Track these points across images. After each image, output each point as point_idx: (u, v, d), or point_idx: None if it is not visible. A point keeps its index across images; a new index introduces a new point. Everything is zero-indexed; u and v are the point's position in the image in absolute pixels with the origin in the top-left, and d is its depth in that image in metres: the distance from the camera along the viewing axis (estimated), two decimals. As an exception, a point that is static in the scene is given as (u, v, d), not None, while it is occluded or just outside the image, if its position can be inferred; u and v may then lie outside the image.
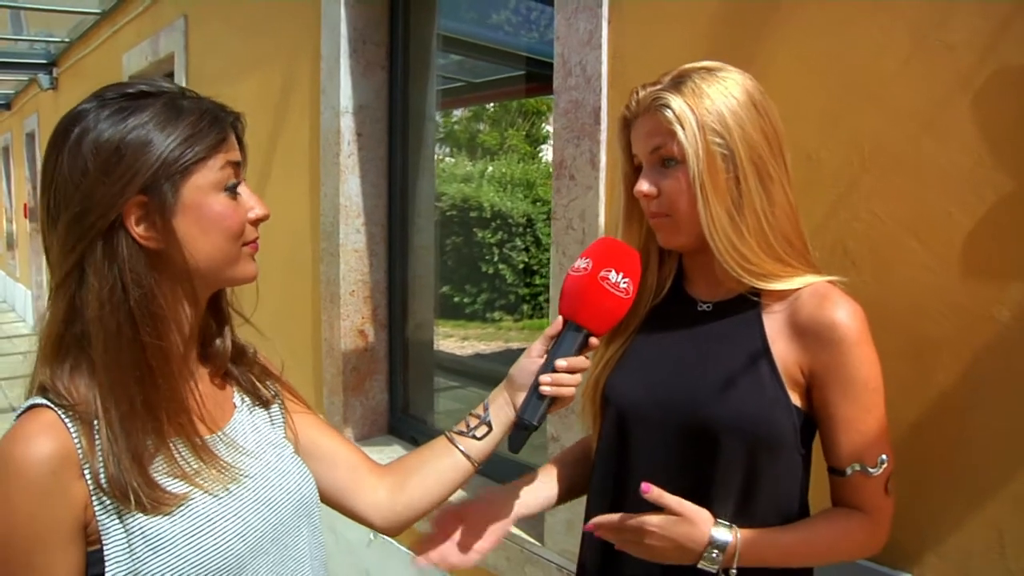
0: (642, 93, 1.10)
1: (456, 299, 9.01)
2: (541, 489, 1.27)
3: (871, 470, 1.07)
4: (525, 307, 9.76)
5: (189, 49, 4.04)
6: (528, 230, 9.67)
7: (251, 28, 3.46)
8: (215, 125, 0.91)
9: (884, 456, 1.08)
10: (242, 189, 0.95)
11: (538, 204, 9.78)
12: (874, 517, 1.10)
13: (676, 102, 1.05)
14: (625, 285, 1.05)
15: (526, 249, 9.69)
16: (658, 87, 1.09)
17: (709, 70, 1.09)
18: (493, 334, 9.17)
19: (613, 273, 1.05)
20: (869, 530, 1.10)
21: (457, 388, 5.24)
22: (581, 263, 1.08)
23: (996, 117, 1.21)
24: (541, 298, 9.47)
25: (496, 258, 9.51)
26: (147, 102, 0.89)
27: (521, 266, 9.57)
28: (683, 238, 1.11)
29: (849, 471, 1.08)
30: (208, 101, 0.94)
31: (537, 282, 9.53)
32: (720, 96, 1.06)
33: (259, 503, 0.95)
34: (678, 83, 1.08)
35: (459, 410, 4.43)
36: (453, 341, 8.02)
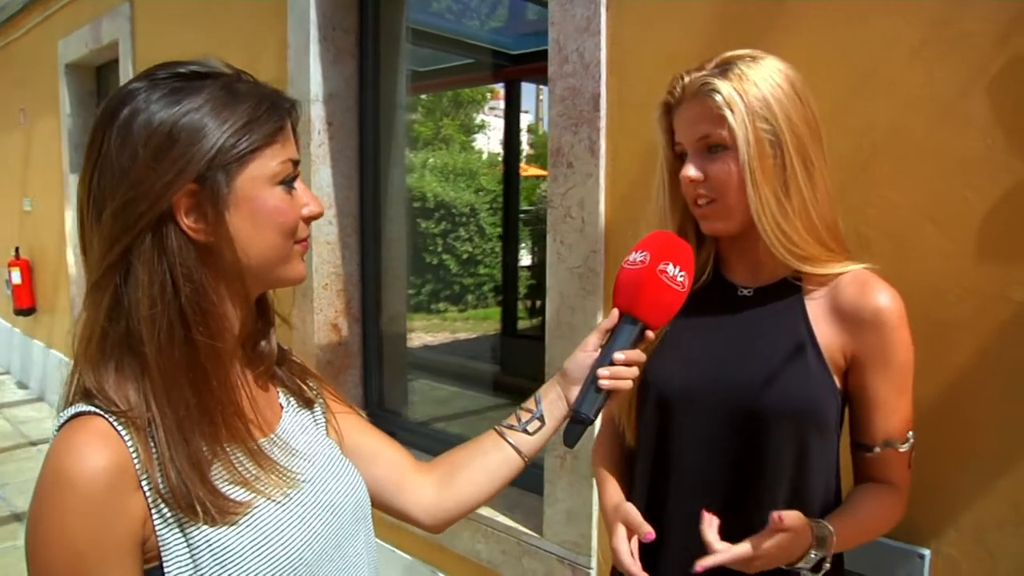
0: (688, 79, 1.10)
1: (401, 291, 8.88)
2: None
3: (901, 446, 1.12)
4: (470, 297, 9.72)
5: (135, 36, 3.87)
6: (472, 220, 9.64)
7: (207, 14, 3.34)
8: (273, 113, 0.85)
9: (911, 432, 1.13)
10: (297, 184, 0.89)
11: (481, 193, 9.75)
12: (900, 490, 1.15)
13: (725, 87, 1.06)
14: (682, 279, 1.05)
15: (470, 239, 9.65)
16: (703, 73, 1.09)
17: (752, 57, 1.10)
18: (439, 325, 9.12)
19: (671, 266, 1.04)
20: (900, 502, 1.15)
21: (411, 381, 5.18)
22: (637, 256, 1.07)
23: (1011, 103, 1.25)
24: (486, 288, 9.46)
25: (440, 248, 9.45)
26: (202, 84, 0.82)
27: (465, 256, 9.53)
28: (729, 223, 1.11)
29: (880, 448, 1.12)
30: (266, 86, 0.88)
31: (481, 272, 9.50)
32: (765, 82, 1.07)
33: (321, 507, 0.90)
34: (724, 69, 1.08)
35: (416, 403, 4.39)
36: (401, 333, 7.93)
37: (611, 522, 1.14)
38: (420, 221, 8.89)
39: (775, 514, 0.99)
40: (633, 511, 1.10)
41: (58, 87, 4.97)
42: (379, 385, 2.89)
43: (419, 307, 9.42)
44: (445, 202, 9.04)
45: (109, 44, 4.16)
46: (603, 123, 1.79)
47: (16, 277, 5.96)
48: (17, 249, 6.11)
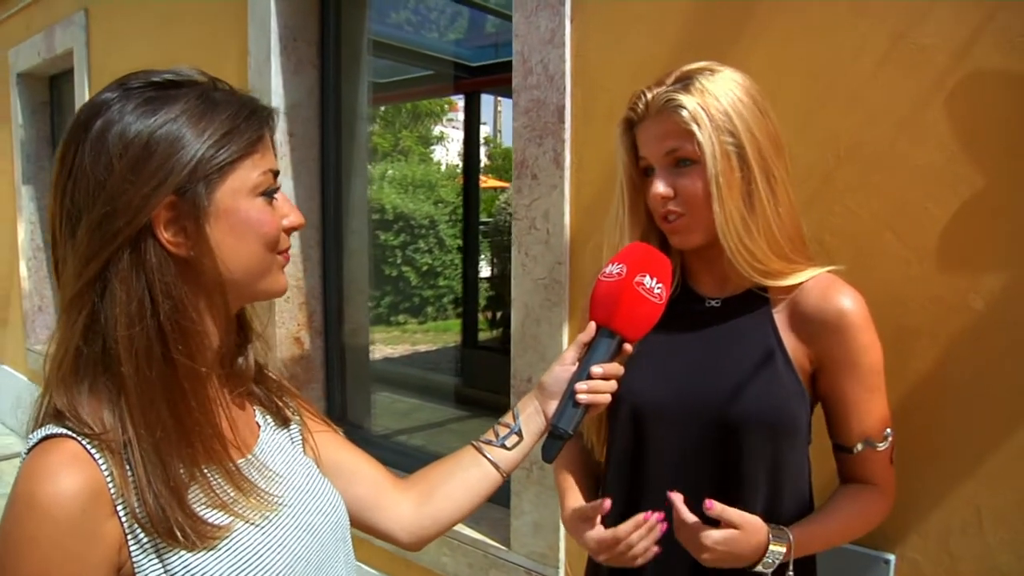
0: (650, 95, 1.11)
1: (360, 303, 8.83)
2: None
3: (879, 445, 1.14)
4: (430, 309, 9.69)
5: (91, 45, 3.78)
6: (431, 232, 9.62)
7: (165, 23, 3.28)
8: (253, 122, 0.83)
9: (888, 430, 1.15)
10: (278, 194, 0.87)
11: (440, 205, 9.74)
12: (883, 488, 1.17)
13: (690, 102, 1.06)
14: (659, 291, 1.05)
15: (429, 251, 9.63)
16: (665, 88, 1.09)
17: (711, 70, 1.11)
18: (399, 337, 9.07)
19: (648, 278, 1.04)
20: (882, 500, 1.17)
21: (385, 393, 5.13)
22: (613, 268, 1.06)
23: (969, 116, 1.28)
24: (445, 300, 9.43)
25: (399, 260, 9.41)
26: (177, 93, 0.80)
27: (425, 268, 9.51)
28: (698, 237, 1.12)
29: (858, 448, 1.14)
30: (243, 94, 0.86)
31: (441, 284, 9.48)
32: (726, 96, 1.08)
33: (301, 530, 0.88)
34: (685, 84, 1.09)
35: (377, 416, 4.34)
36: (360, 346, 7.87)
37: (572, 527, 1.14)
38: (380, 233, 8.86)
39: (707, 500, 1.02)
40: (586, 506, 1.11)
41: (9, 97, 4.85)
42: (342, 398, 2.85)
43: (379, 319, 9.37)
44: (404, 214, 9.01)
45: (63, 53, 4.07)
46: (568, 135, 1.79)
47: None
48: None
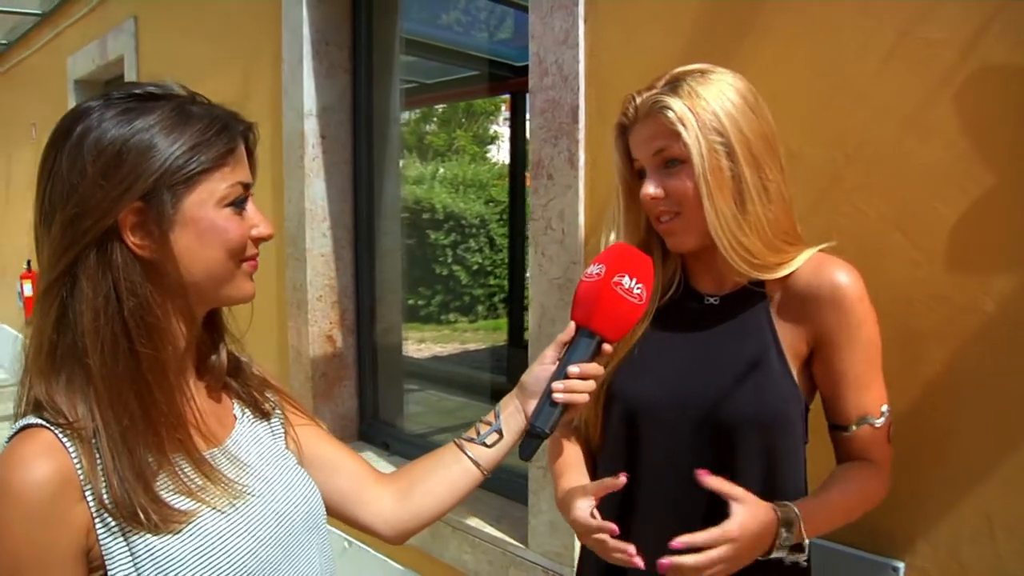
0: (639, 99, 1.12)
1: (411, 301, 8.96)
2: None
3: (876, 421, 1.12)
4: (480, 308, 9.74)
5: (140, 52, 3.92)
6: (482, 231, 9.66)
7: (206, 29, 3.38)
8: (224, 134, 0.87)
9: (886, 407, 1.13)
10: (248, 205, 0.91)
11: (491, 205, 9.77)
12: (881, 466, 1.15)
13: (676, 104, 1.07)
14: (639, 291, 1.05)
15: (480, 250, 9.68)
16: (655, 91, 1.10)
17: (702, 72, 1.11)
18: (449, 336, 9.14)
19: (627, 279, 1.04)
20: (880, 479, 1.15)
21: (418, 391, 5.20)
22: (594, 269, 1.07)
23: (978, 113, 1.24)
24: (496, 299, 9.46)
25: (450, 259, 9.47)
26: (155, 105, 0.85)
27: (475, 267, 9.56)
28: (692, 238, 1.12)
29: (856, 426, 1.12)
30: (220, 108, 0.90)
31: (492, 283, 9.51)
32: (715, 97, 1.08)
33: (268, 517, 0.91)
34: (674, 86, 1.09)
35: (423, 414, 4.39)
36: (410, 344, 7.96)
37: (567, 503, 1.11)
38: (430, 232, 8.94)
39: (699, 471, 0.98)
40: (589, 485, 1.08)
41: (67, 103, 5.04)
42: (374, 396, 2.89)
43: (429, 318, 9.46)
44: (455, 213, 9.07)
45: (115, 60, 4.23)
46: (582, 135, 1.79)
47: (28, 289, 6.03)
48: (29, 262, 6.18)
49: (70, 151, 0.82)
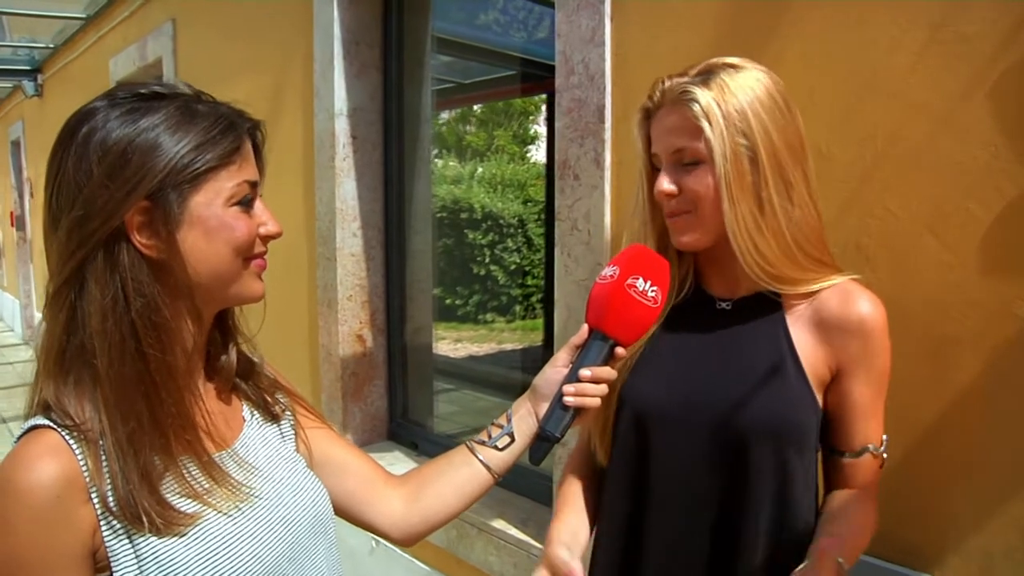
0: (668, 83, 1.08)
1: (448, 301, 8.99)
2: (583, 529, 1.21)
3: (879, 450, 1.11)
4: (517, 308, 9.73)
5: (177, 53, 3.98)
6: (519, 231, 9.65)
7: (240, 31, 3.42)
8: (229, 133, 0.86)
9: (885, 436, 1.12)
10: (256, 204, 0.91)
11: (529, 204, 9.75)
12: (872, 493, 1.13)
13: (704, 97, 1.03)
14: (653, 294, 1.02)
15: (517, 250, 9.66)
16: (685, 79, 1.06)
17: (735, 67, 1.07)
18: (486, 336, 9.14)
19: (640, 281, 1.02)
20: (875, 507, 1.12)
21: (453, 391, 5.20)
22: (608, 271, 1.05)
23: (1013, 110, 1.19)
24: (533, 299, 9.44)
25: (488, 259, 9.48)
26: (160, 104, 0.84)
27: (513, 267, 9.55)
28: (702, 237, 1.08)
29: (858, 453, 1.10)
30: (225, 107, 0.89)
31: (529, 283, 9.50)
32: (745, 94, 1.04)
33: (274, 522, 0.91)
34: (705, 77, 1.05)
35: (457, 414, 4.38)
36: (446, 343, 7.99)
37: (546, 552, 1.12)
38: (468, 232, 8.94)
39: None
40: (564, 563, 1.07)
41: (111, 104, 5.13)
42: (404, 396, 2.89)
43: (466, 318, 9.46)
44: (493, 213, 9.07)
45: (154, 62, 4.29)
46: (608, 135, 1.77)
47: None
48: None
49: (75, 152, 0.82)
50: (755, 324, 1.11)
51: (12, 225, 10.04)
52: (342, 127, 2.71)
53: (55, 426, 0.81)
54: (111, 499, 0.80)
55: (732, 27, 1.55)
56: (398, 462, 2.69)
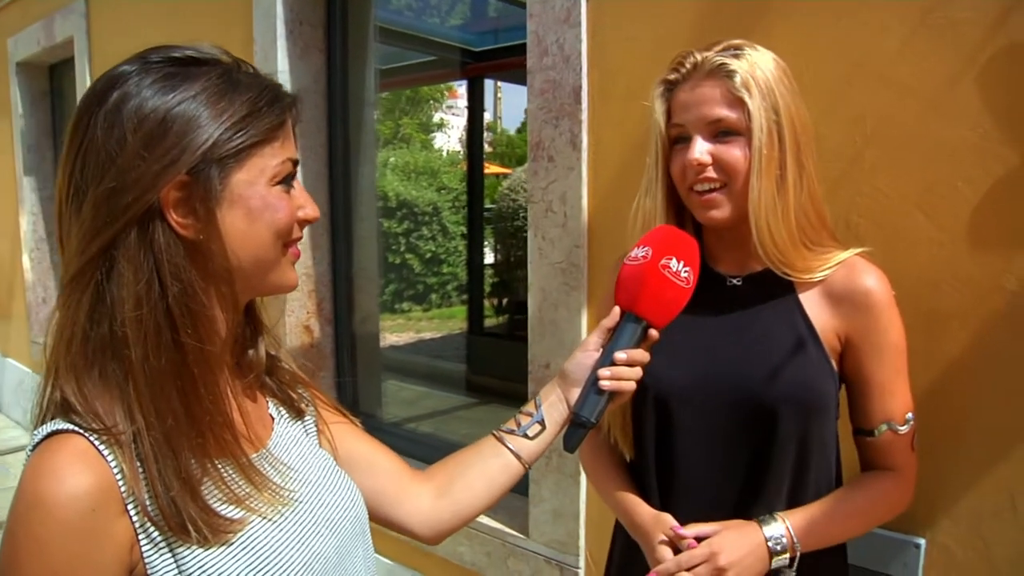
0: (699, 56, 1.07)
1: (363, 291, 8.82)
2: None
3: (900, 428, 1.12)
4: (434, 296, 9.69)
5: (92, 33, 3.74)
6: (434, 219, 9.59)
7: (167, 10, 3.24)
8: (275, 107, 0.79)
9: (910, 414, 1.12)
10: (295, 184, 0.84)
11: (443, 192, 9.70)
12: (904, 474, 1.14)
13: (742, 68, 1.04)
14: (686, 274, 1.01)
15: (433, 238, 9.60)
16: (716, 52, 1.06)
17: (752, 46, 1.08)
18: (404, 325, 9.07)
19: (674, 261, 1.00)
20: (901, 487, 1.15)
21: (393, 381, 5.10)
22: (639, 252, 1.03)
23: (1001, 92, 1.24)
24: (450, 287, 9.42)
25: (403, 248, 9.38)
26: (198, 71, 0.77)
27: (428, 255, 9.49)
28: (731, 213, 1.09)
29: (879, 431, 1.12)
30: (267, 78, 0.82)
31: (445, 271, 9.47)
32: (772, 72, 1.06)
33: (319, 526, 0.85)
34: (736, 53, 1.06)
35: (398, 403, 4.31)
36: (366, 334, 7.87)
37: (650, 533, 1.13)
38: (383, 221, 8.82)
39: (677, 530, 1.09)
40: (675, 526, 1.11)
41: (9, 85, 4.80)
42: (353, 386, 2.83)
43: (383, 307, 9.34)
44: (407, 201, 8.97)
45: (63, 42, 4.02)
46: (585, 116, 1.76)
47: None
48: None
49: (107, 119, 0.73)
50: (768, 298, 1.12)
51: None
52: (286, 110, 2.62)
53: (80, 430, 0.72)
54: (151, 508, 0.72)
55: (717, 6, 1.56)
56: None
